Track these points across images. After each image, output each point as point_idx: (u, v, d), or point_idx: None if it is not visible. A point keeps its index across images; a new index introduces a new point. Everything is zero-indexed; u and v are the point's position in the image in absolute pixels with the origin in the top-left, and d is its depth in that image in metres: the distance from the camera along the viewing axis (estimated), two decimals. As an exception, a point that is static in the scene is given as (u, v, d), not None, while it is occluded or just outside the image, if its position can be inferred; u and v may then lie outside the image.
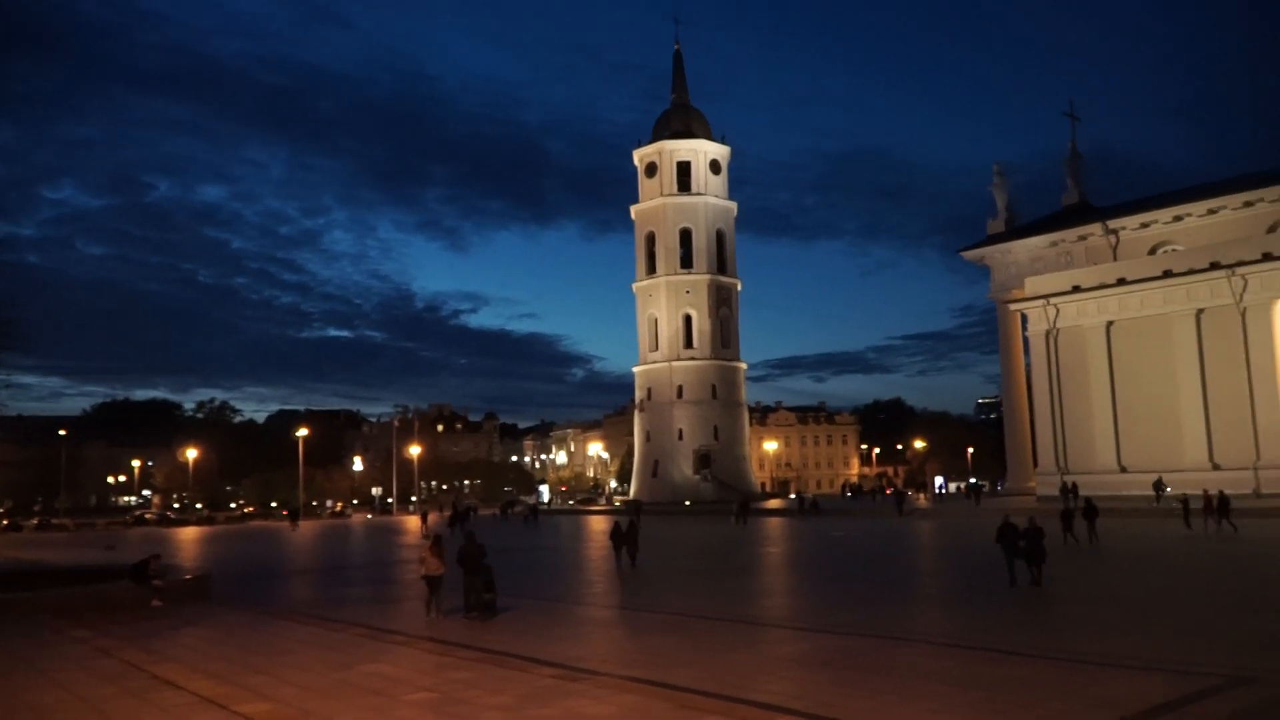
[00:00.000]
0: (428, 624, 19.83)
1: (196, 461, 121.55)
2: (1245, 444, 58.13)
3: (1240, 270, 58.30)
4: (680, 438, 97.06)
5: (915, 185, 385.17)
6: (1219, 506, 39.47)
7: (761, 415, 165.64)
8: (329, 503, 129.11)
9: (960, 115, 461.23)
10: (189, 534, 75.48)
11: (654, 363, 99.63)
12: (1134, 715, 10.86)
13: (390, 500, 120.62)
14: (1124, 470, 62.83)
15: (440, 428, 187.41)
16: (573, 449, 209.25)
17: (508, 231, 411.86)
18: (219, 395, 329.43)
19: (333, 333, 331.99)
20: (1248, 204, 66.88)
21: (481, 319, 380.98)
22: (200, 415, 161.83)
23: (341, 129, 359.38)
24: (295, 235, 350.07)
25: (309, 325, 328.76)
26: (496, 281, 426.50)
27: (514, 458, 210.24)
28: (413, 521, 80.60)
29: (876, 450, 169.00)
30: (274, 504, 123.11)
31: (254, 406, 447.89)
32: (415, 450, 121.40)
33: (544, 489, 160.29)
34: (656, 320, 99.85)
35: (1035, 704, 11.55)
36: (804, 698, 12.20)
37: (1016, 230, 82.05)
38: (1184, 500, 41.90)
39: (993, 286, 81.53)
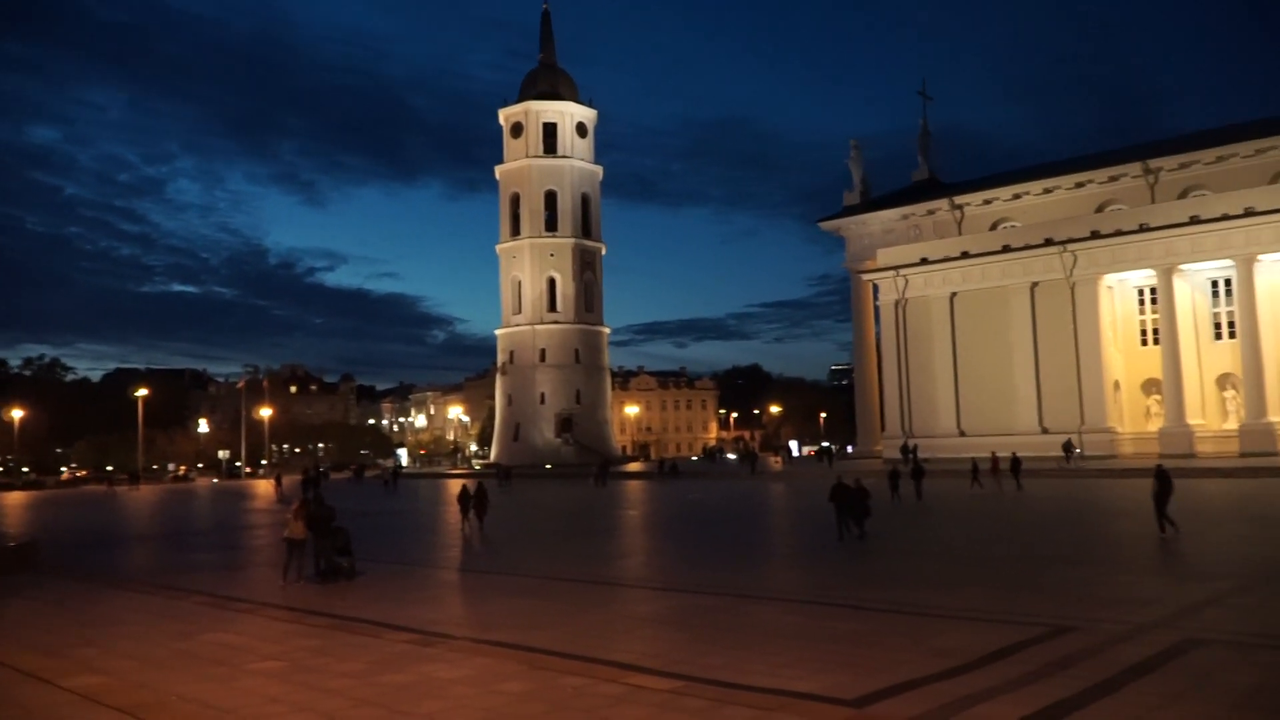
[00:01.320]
0: (280, 590, 19.23)
1: (23, 422, 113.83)
2: (1071, 410, 62.15)
3: (1071, 247, 61.95)
4: (542, 401, 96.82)
5: (779, 155, 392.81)
6: (1011, 468, 42.69)
7: (624, 380, 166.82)
8: (171, 466, 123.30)
9: (823, 89, 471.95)
10: (14, 499, 70.80)
11: (517, 326, 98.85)
12: (970, 663, 11.49)
13: (239, 464, 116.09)
14: (963, 434, 66.27)
15: (293, 389, 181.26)
16: (433, 412, 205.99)
17: (368, 188, 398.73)
18: (49, 352, 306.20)
19: (177, 288, 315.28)
20: (1079, 185, 70.99)
21: (339, 277, 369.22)
22: (28, 373, 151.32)
23: (190, 72, 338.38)
24: (136, 183, 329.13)
25: (151, 279, 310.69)
26: (355, 239, 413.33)
27: (371, 420, 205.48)
28: (263, 486, 77.87)
29: (735, 415, 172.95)
30: (110, 468, 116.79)
31: (89, 365, 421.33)
32: (266, 412, 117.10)
33: (402, 452, 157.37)
34: (520, 283, 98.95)
35: (880, 655, 12.07)
36: (659, 656, 12.39)
37: (870, 203, 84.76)
38: (973, 463, 44.69)
39: (847, 257, 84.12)
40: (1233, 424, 57.89)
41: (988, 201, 75.47)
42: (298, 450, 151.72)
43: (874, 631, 13.67)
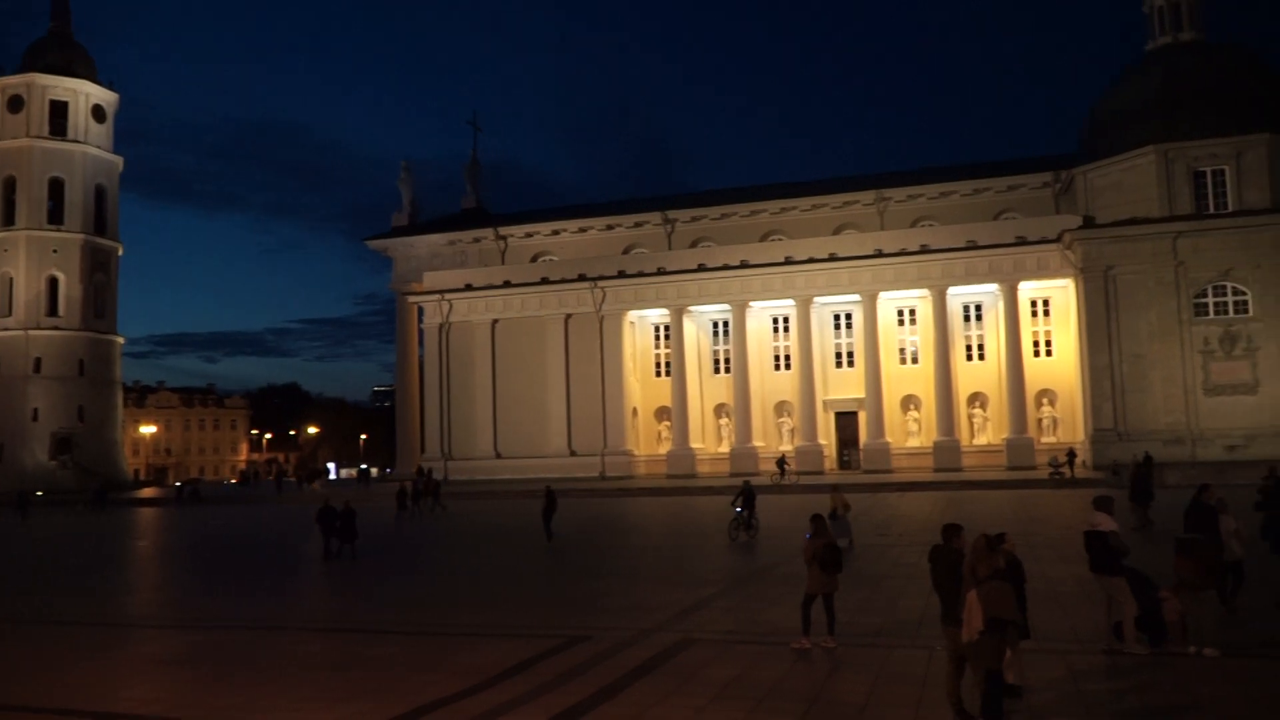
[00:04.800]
0: None
1: None
2: (597, 434, 67.33)
3: (601, 284, 67.40)
4: (35, 418, 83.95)
5: (329, 168, 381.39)
6: (433, 490, 46.27)
7: (140, 396, 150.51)
8: None
9: (379, 106, 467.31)
10: None
11: (5, 330, 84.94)
12: (493, 678, 11.97)
13: None
14: (500, 456, 68.86)
15: None
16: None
17: None
18: None
19: None
20: (610, 227, 77.56)
21: None
22: None
23: None
24: None
25: None
26: None
27: None
28: None
29: (269, 436, 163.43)
30: None
31: None
32: None
33: None
34: (12, 280, 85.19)
35: (408, 678, 12.14)
36: (164, 701, 11.38)
37: (419, 226, 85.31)
38: (401, 486, 47.69)
39: (394, 278, 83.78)
40: (725, 447, 66.42)
41: (530, 235, 79.54)
42: None
43: (399, 655, 13.71)
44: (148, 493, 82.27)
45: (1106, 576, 12.72)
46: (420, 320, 76.36)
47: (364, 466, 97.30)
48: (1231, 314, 53.59)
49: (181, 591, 22.47)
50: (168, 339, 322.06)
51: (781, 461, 55.34)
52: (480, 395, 70.29)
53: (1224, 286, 53.84)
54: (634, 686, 11.55)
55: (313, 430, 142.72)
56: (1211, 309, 53.91)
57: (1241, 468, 42.04)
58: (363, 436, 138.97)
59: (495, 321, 70.36)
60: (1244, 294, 53.51)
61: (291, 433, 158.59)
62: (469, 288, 71.08)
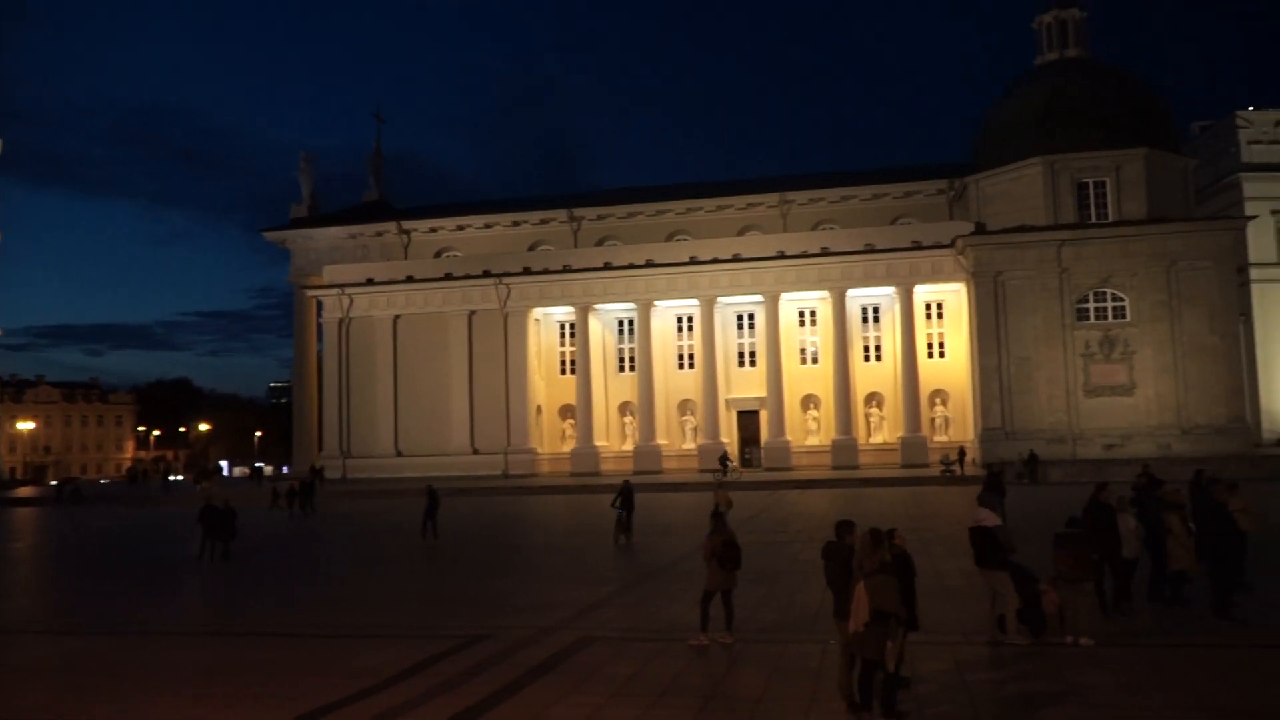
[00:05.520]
0: None
1: None
2: (500, 432, 66.76)
3: (506, 280, 66.84)
4: (-102, 413, 79.26)
5: (224, 156, 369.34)
6: (303, 492, 45.14)
7: (17, 391, 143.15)
8: None
9: (279, 93, 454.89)
10: None
11: None
12: (387, 680, 11.77)
13: None
14: (401, 454, 67.68)
15: None
16: None
17: None
18: None
19: None
20: (515, 224, 76.93)
21: None
22: None
23: None
24: None
25: None
26: None
27: None
28: None
29: (157, 433, 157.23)
30: None
31: None
32: None
33: None
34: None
35: (294, 683, 11.83)
36: (38, 711, 10.86)
37: (319, 218, 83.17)
38: (274, 488, 47.33)
39: (292, 271, 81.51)
40: (629, 446, 66.58)
41: (434, 230, 78.32)
42: None
43: (288, 659, 13.36)
44: (24, 492, 78.28)
45: (990, 570, 13.21)
46: (319, 315, 74.48)
47: (258, 465, 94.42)
48: (1111, 319, 56.23)
49: (58, 596, 21.49)
50: (48, 330, 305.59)
51: (724, 458, 55.12)
52: (381, 392, 68.98)
53: (1104, 293, 56.43)
54: (533, 685, 11.51)
55: (204, 427, 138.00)
56: (1092, 314, 56.46)
57: (1118, 465, 44.09)
58: (257, 434, 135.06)
59: (397, 317, 69.14)
60: (1122, 300, 56.18)
61: (182, 430, 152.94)
62: (370, 282, 69.68)
